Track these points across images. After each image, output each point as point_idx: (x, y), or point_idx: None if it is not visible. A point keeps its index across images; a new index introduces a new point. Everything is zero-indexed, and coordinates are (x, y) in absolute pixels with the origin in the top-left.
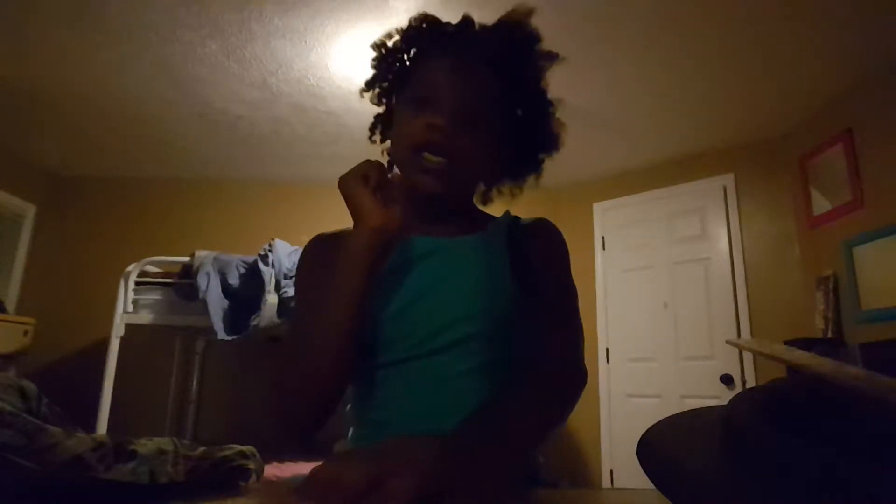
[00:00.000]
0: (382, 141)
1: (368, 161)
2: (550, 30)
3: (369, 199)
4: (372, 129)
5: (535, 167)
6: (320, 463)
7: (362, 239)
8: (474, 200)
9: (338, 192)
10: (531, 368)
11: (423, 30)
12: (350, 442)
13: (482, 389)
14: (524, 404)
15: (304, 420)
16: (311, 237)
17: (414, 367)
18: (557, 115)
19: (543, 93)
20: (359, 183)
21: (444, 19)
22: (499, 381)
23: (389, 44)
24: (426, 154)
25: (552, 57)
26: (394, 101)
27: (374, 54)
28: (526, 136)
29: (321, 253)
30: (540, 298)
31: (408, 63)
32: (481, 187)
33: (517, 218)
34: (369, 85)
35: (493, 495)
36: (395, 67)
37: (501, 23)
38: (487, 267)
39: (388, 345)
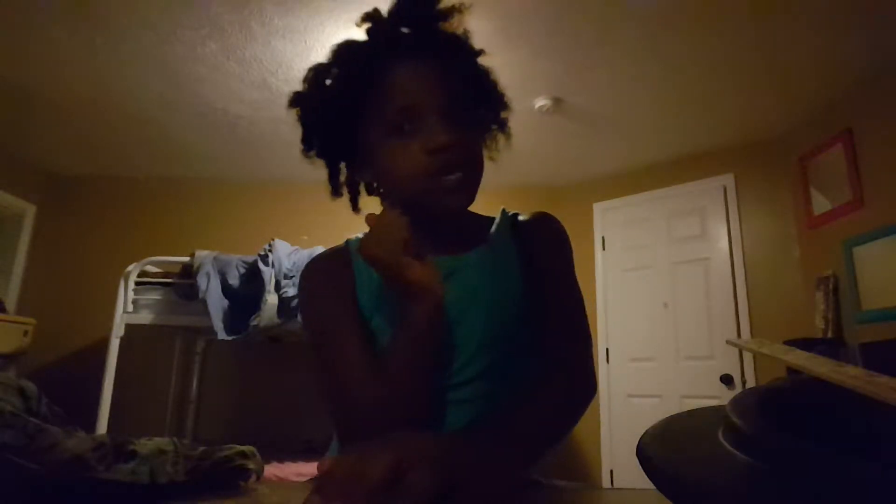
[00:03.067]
0: (370, 189)
1: (392, 218)
2: (551, 30)
3: (423, 272)
4: (352, 200)
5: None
6: (329, 458)
7: (426, 317)
8: None
9: None
10: (541, 377)
11: (346, 56)
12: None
13: (484, 395)
14: (535, 411)
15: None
16: (311, 237)
17: (461, 395)
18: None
19: (479, 65)
20: (399, 251)
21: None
22: (501, 386)
23: (324, 89)
24: (444, 177)
25: (456, 10)
26: (367, 139)
27: (301, 114)
28: (492, 110)
29: (330, 282)
30: (546, 303)
31: (351, 98)
32: None
33: (516, 215)
34: (309, 146)
35: (504, 492)
36: (336, 110)
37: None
38: (503, 285)
39: None
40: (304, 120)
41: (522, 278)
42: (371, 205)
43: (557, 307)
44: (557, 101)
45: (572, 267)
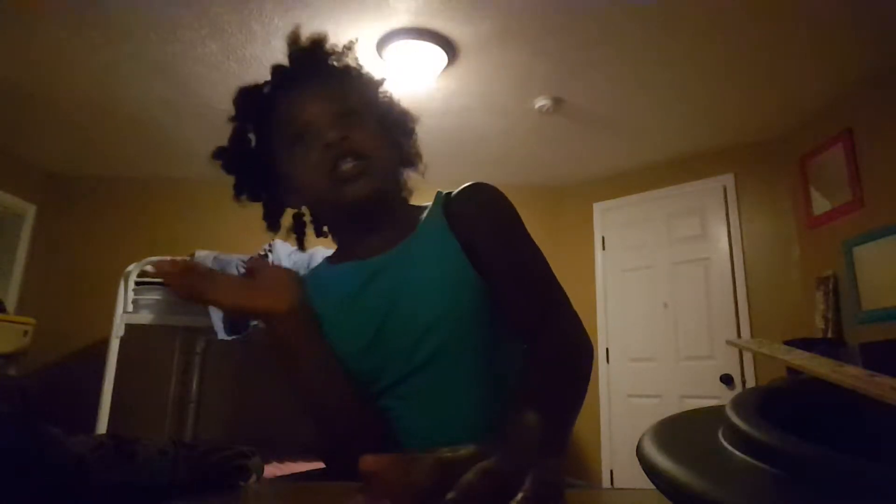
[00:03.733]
0: (293, 204)
1: (187, 264)
2: (551, 30)
3: (258, 296)
4: (269, 221)
5: (414, 149)
6: (374, 457)
7: (284, 331)
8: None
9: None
10: (530, 356)
11: (248, 102)
12: None
13: (476, 392)
14: (546, 393)
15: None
16: (310, 237)
17: (407, 388)
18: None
19: (372, 78)
20: (224, 282)
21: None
22: (491, 378)
23: (226, 145)
24: (343, 167)
25: (349, 47)
26: (278, 169)
27: (221, 164)
28: (387, 117)
29: None
30: (497, 274)
31: (254, 142)
32: (402, 183)
33: (450, 194)
34: (238, 191)
35: (558, 485)
36: (247, 158)
37: (302, 47)
38: (438, 263)
39: (375, 375)
40: (227, 168)
41: (462, 256)
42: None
43: (509, 275)
44: (557, 101)
45: (513, 224)
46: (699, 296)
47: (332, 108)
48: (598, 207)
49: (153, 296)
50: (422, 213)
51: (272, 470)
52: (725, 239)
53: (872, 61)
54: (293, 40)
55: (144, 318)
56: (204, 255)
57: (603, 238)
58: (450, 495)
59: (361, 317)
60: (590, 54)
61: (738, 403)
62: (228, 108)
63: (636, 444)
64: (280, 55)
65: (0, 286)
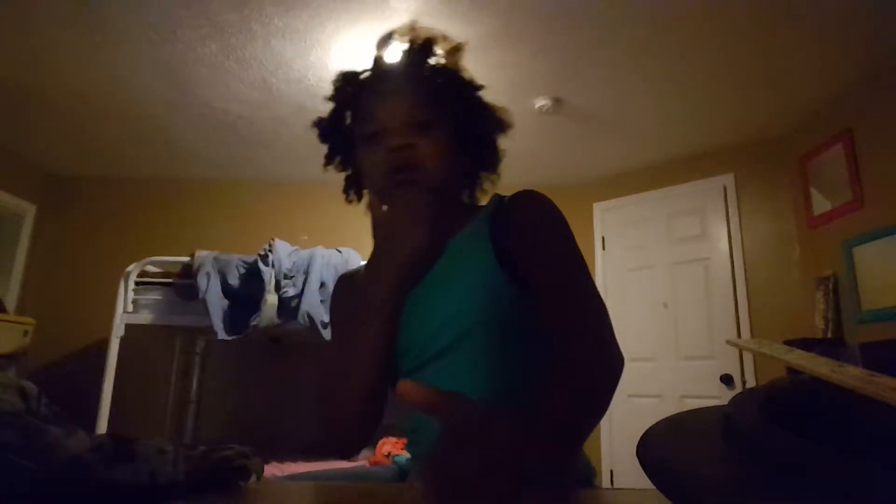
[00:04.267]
0: (359, 198)
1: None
2: (551, 30)
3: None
4: (346, 192)
5: (494, 157)
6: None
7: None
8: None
9: (337, 192)
10: (558, 364)
11: (344, 87)
12: (407, 448)
13: (494, 387)
14: (565, 400)
15: (350, 441)
16: (311, 237)
17: (426, 373)
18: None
19: (469, 82)
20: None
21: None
22: (511, 376)
23: (326, 117)
24: (399, 175)
25: (457, 48)
26: (356, 154)
27: (317, 133)
28: (472, 125)
29: (345, 295)
30: (537, 283)
31: (349, 121)
32: (465, 186)
33: (502, 197)
34: (329, 160)
35: (563, 486)
36: (341, 134)
37: (409, 47)
38: (469, 263)
39: (401, 356)
40: (321, 138)
41: (494, 260)
42: None
43: (548, 286)
44: (557, 101)
45: (560, 234)
46: (699, 296)
47: (408, 116)
48: (598, 207)
49: (153, 296)
50: (475, 212)
51: (272, 470)
52: (725, 239)
53: (872, 61)
54: (400, 35)
55: (144, 318)
56: (204, 255)
57: (603, 238)
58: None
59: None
60: (590, 54)
61: (738, 403)
62: (228, 108)
63: (636, 444)
64: (280, 55)
65: (0, 286)
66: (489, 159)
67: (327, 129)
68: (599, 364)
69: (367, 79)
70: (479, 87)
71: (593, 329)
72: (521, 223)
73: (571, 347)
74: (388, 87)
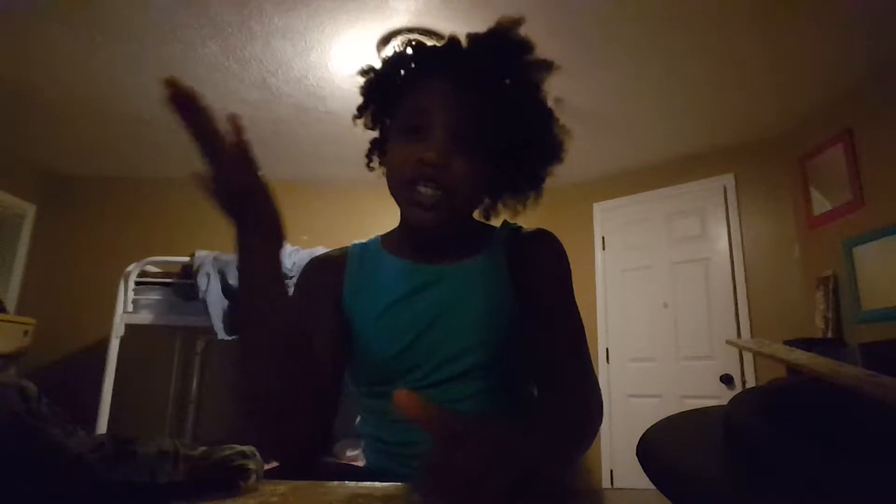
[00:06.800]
0: (381, 164)
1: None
2: (551, 30)
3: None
4: (369, 155)
5: (536, 182)
6: (408, 394)
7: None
8: (476, 215)
9: (337, 192)
10: (547, 401)
11: (409, 55)
12: (367, 454)
13: (466, 398)
14: (554, 427)
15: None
16: (311, 237)
17: (433, 395)
18: (559, 117)
19: (541, 104)
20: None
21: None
22: (504, 404)
23: (378, 69)
24: (419, 188)
25: (546, 66)
26: (387, 124)
27: (362, 80)
28: (524, 150)
29: (314, 280)
30: (539, 324)
31: (397, 89)
32: (485, 202)
33: (517, 230)
34: (361, 111)
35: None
36: (384, 94)
37: (490, 36)
38: (490, 294)
39: (399, 376)
40: (362, 90)
41: (512, 293)
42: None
43: (551, 329)
44: (557, 102)
45: (569, 288)
46: (699, 296)
47: (450, 123)
48: (598, 207)
49: (153, 296)
50: (487, 234)
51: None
52: (725, 239)
53: (872, 61)
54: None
55: (144, 318)
56: (204, 255)
57: (603, 238)
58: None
59: (405, 322)
60: (590, 54)
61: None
62: (228, 108)
63: (636, 444)
64: (280, 55)
65: (0, 286)
66: (528, 186)
67: (372, 84)
68: (589, 417)
69: (432, 61)
70: (550, 115)
71: (587, 382)
72: (547, 267)
73: (566, 395)
74: (446, 86)
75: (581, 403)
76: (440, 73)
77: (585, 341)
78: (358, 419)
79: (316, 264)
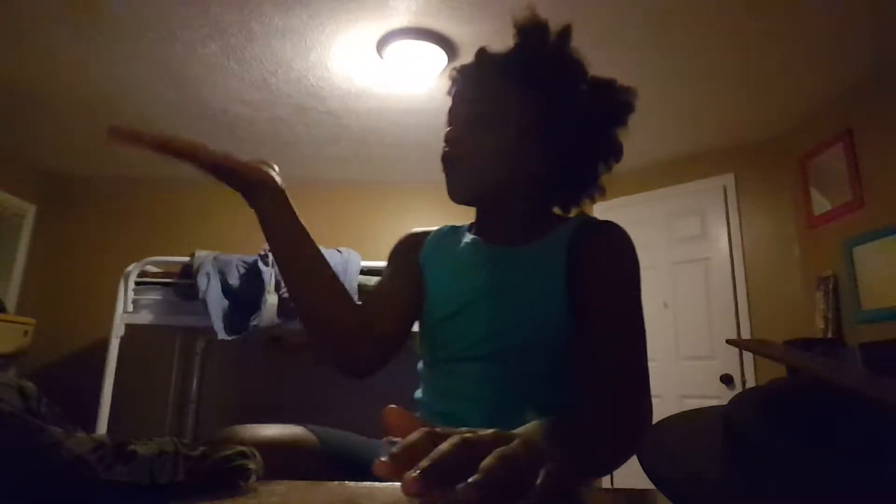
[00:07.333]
0: None
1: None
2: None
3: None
4: None
5: (587, 177)
6: (398, 411)
7: (267, 208)
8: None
9: (337, 192)
10: (590, 406)
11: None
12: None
13: (533, 400)
14: (588, 437)
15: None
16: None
17: (467, 368)
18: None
19: (576, 98)
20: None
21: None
22: (549, 394)
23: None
24: (444, 163)
25: (574, 63)
26: None
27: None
28: (574, 145)
29: (398, 249)
30: (592, 319)
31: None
32: (532, 190)
33: (588, 220)
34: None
35: (571, 482)
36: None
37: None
38: (540, 280)
39: (446, 343)
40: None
41: (563, 280)
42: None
43: (603, 325)
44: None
45: (627, 285)
46: (699, 296)
47: (471, 108)
48: (597, 207)
49: (153, 296)
50: (558, 224)
51: None
52: (725, 239)
53: (872, 61)
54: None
55: (144, 318)
56: (204, 255)
57: None
58: (473, 478)
59: (459, 290)
60: (590, 55)
61: (738, 403)
62: (228, 108)
63: None
64: (280, 55)
65: (0, 286)
66: (583, 183)
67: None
68: (634, 424)
69: (475, 60)
70: (574, 90)
71: (636, 386)
72: (598, 256)
73: (613, 399)
74: (471, 74)
75: (628, 409)
76: (466, 74)
77: (641, 342)
78: (417, 392)
79: (408, 234)
